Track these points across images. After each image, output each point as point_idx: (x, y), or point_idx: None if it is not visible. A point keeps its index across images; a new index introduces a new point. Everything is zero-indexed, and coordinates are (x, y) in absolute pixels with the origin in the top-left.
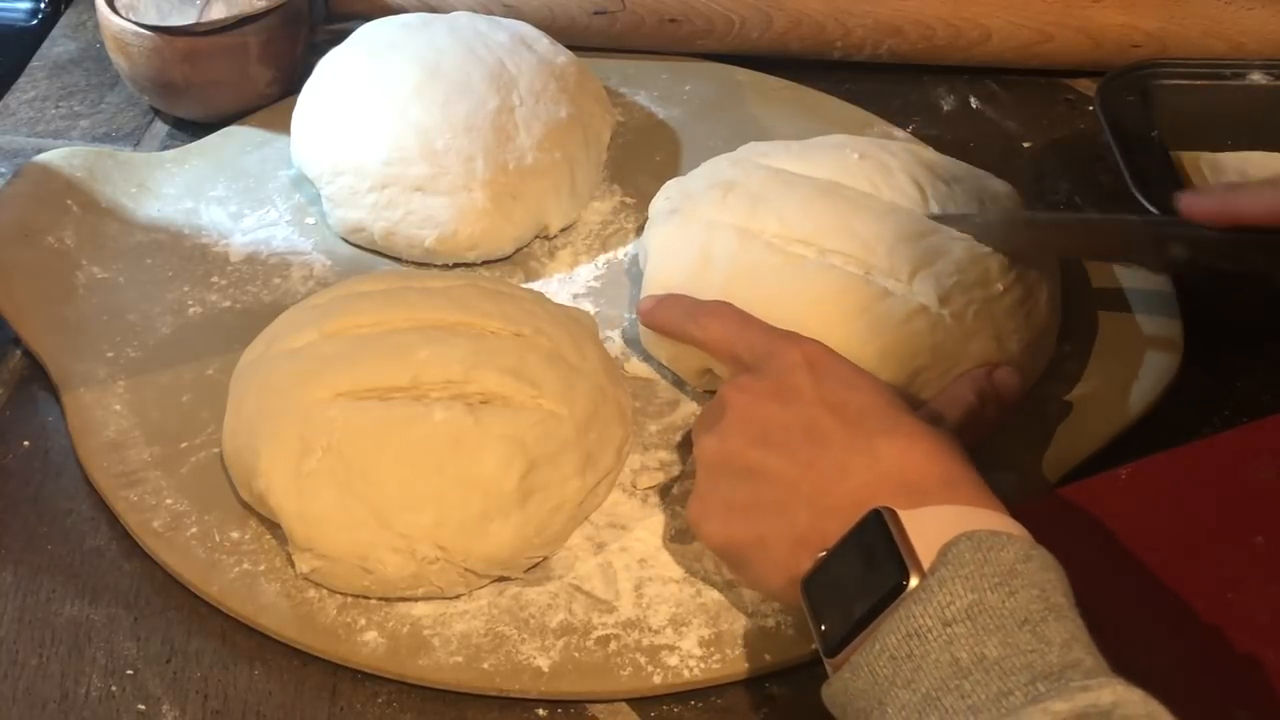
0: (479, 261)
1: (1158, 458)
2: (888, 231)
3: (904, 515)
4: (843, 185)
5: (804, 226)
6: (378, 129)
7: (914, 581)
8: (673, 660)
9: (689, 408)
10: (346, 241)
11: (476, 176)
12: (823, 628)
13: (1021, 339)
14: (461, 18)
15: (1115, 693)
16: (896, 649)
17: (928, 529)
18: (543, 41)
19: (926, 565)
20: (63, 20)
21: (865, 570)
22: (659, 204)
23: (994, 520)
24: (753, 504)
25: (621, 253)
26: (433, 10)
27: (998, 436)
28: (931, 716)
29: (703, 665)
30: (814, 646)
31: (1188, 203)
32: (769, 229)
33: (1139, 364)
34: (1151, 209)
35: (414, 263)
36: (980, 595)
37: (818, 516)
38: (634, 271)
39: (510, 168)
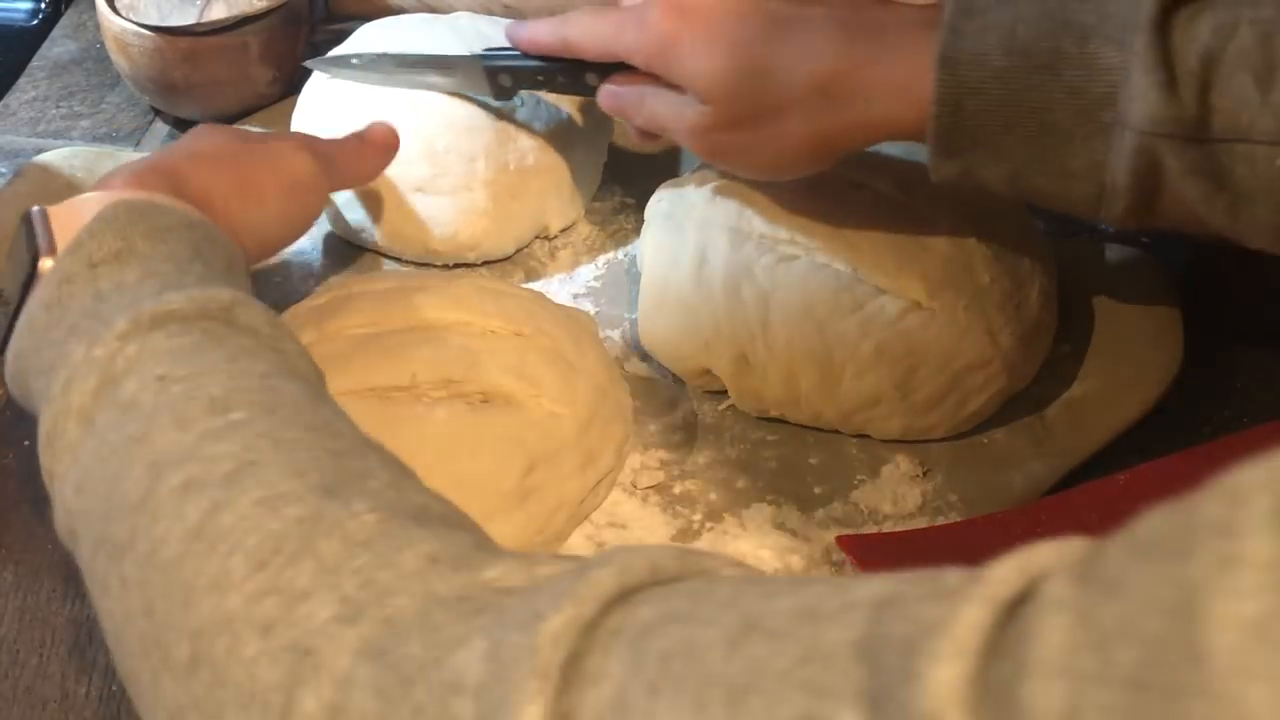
0: (479, 261)
1: (1157, 463)
2: (870, 227)
3: (54, 209)
4: (829, 179)
5: (789, 226)
6: None
7: (50, 262)
8: None
9: (689, 408)
10: (347, 242)
11: (477, 177)
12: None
13: (1014, 333)
14: (462, 18)
15: (234, 296)
16: (50, 298)
17: (84, 212)
18: None
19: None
20: (63, 20)
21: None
22: (655, 205)
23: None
24: None
25: (621, 253)
26: (433, 10)
27: (997, 436)
28: (73, 337)
29: None
30: None
31: (521, 35)
32: (757, 229)
33: (1139, 364)
34: None
35: (414, 263)
36: (130, 243)
37: None
38: (634, 272)
39: (511, 168)
